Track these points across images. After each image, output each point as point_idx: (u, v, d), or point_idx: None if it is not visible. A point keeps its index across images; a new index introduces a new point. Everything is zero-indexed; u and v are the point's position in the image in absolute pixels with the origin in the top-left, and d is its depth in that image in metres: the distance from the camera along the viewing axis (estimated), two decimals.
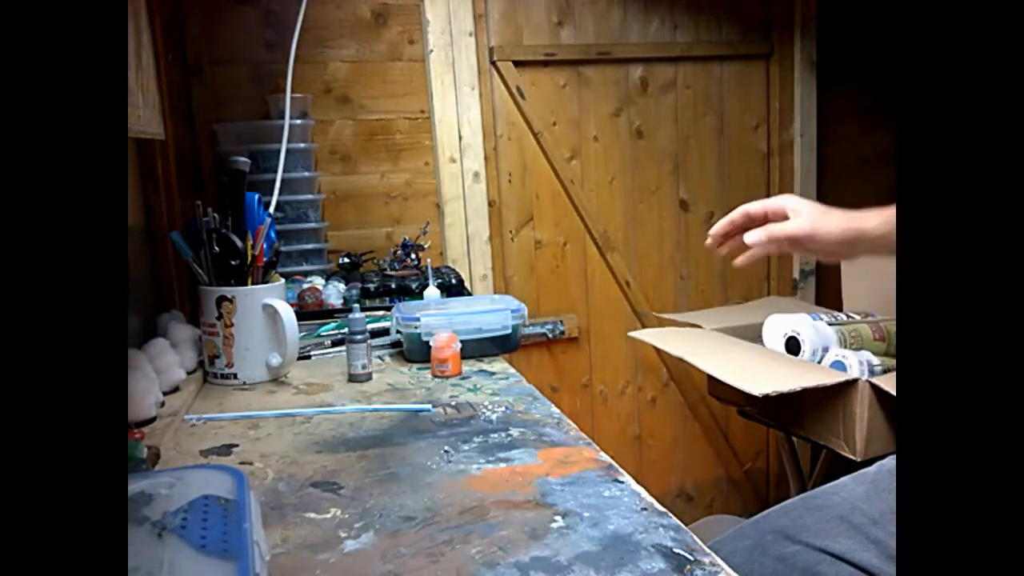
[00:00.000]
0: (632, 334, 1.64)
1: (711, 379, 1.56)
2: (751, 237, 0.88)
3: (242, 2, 1.82)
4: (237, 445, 0.88)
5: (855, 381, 1.25)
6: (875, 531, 0.81)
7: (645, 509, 0.67)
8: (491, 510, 0.68)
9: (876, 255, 0.84)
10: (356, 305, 1.18)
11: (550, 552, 0.60)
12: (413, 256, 1.73)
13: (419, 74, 1.97)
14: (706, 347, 1.49)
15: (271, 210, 1.27)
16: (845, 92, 2.27)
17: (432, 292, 1.47)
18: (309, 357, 1.27)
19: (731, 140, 2.29)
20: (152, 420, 0.92)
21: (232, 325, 1.11)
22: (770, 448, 2.45)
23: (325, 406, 1.01)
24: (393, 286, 1.62)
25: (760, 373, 1.28)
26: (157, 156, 1.45)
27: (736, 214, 0.93)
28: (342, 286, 1.59)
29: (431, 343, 1.14)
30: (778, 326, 1.53)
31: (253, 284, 1.15)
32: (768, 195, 2.32)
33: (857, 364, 1.34)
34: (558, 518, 0.66)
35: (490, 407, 0.97)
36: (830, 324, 1.48)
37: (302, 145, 1.74)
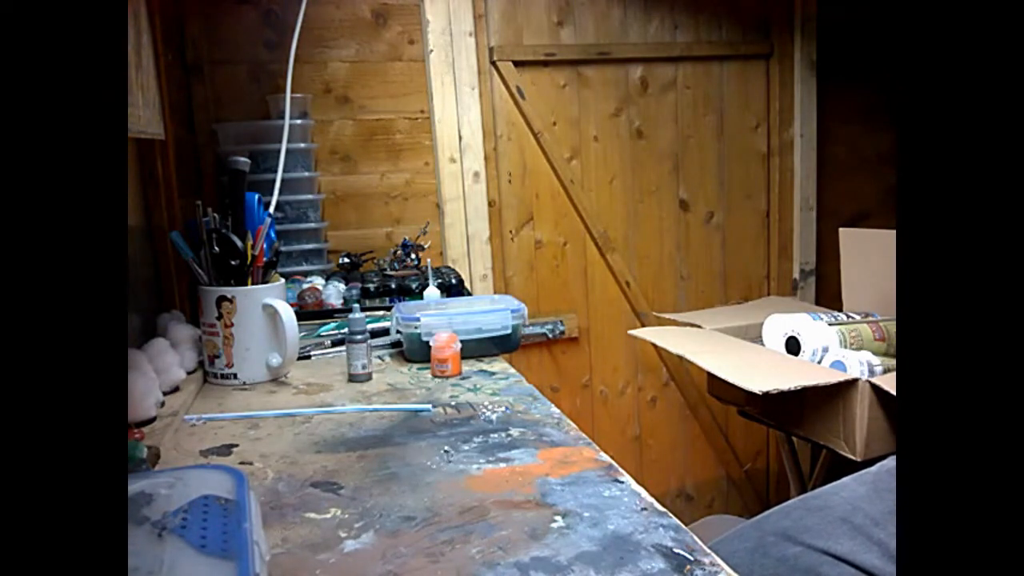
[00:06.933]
0: (632, 332, 1.64)
1: (711, 379, 1.57)
2: None
3: (242, 2, 1.82)
4: (237, 445, 0.88)
5: (855, 381, 1.25)
6: (877, 532, 0.81)
7: (645, 509, 0.67)
8: (491, 510, 0.68)
9: None
10: (356, 305, 1.18)
11: (550, 552, 0.60)
12: (413, 256, 1.73)
13: (419, 74, 1.97)
14: (706, 346, 1.49)
15: (271, 210, 1.27)
16: (845, 92, 2.27)
17: (432, 292, 1.47)
18: (309, 357, 1.27)
19: (731, 140, 2.29)
20: (152, 420, 0.92)
21: (232, 325, 1.11)
22: (770, 448, 2.45)
23: (325, 406, 1.01)
24: (393, 286, 1.62)
25: (760, 371, 1.28)
26: (157, 156, 1.45)
27: None
28: (342, 286, 1.59)
29: (431, 343, 1.14)
30: (778, 326, 1.53)
31: (253, 284, 1.14)
32: (768, 195, 2.34)
33: (857, 364, 1.34)
34: (558, 518, 0.65)
35: (490, 407, 0.97)
36: (830, 324, 1.48)
37: (302, 145, 1.74)
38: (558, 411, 0.95)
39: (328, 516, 0.68)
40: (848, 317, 1.54)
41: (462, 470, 0.77)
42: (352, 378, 1.12)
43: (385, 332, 1.32)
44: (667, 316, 1.87)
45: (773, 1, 2.24)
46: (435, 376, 1.13)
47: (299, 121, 1.73)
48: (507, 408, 0.97)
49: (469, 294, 1.67)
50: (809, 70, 2.27)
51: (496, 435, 0.87)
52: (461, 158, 2.01)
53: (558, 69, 2.11)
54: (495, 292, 2.07)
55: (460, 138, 2.00)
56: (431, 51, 1.95)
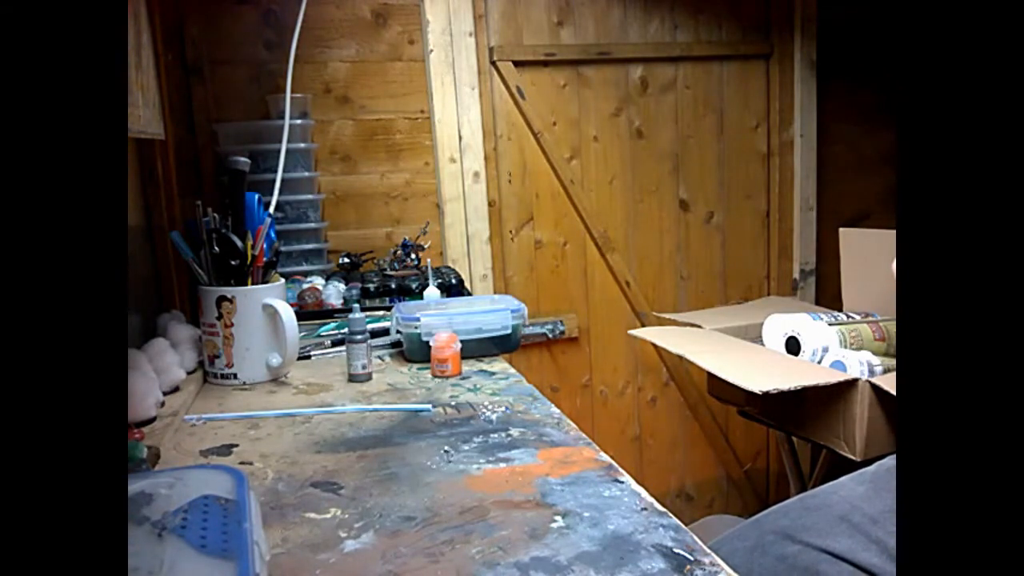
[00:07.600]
0: (632, 332, 1.64)
1: (711, 378, 1.57)
2: None
3: (242, 2, 1.82)
4: (237, 445, 0.88)
5: (855, 381, 1.25)
6: (875, 530, 0.81)
7: (645, 509, 0.67)
8: (491, 510, 0.68)
9: None
10: (356, 305, 1.18)
11: (550, 552, 0.60)
12: (413, 256, 1.73)
13: (419, 74, 1.97)
14: (706, 345, 1.49)
15: (271, 210, 1.27)
16: (845, 92, 2.27)
17: (432, 292, 1.47)
18: (309, 357, 1.27)
19: (731, 140, 2.29)
20: (152, 420, 0.92)
21: (232, 325, 1.11)
22: (770, 448, 2.45)
23: (325, 406, 1.01)
24: (393, 286, 1.62)
25: (760, 371, 1.28)
26: (157, 156, 1.45)
27: None
28: (342, 286, 1.59)
29: (431, 343, 1.14)
30: (778, 326, 1.53)
31: (253, 284, 1.14)
32: (768, 195, 2.34)
33: (857, 364, 1.34)
34: (558, 518, 0.65)
35: (490, 407, 0.97)
36: (830, 324, 1.48)
37: (302, 145, 1.74)
38: (558, 411, 0.95)
39: (328, 516, 0.68)
40: (848, 317, 1.54)
41: (462, 470, 0.77)
42: (352, 378, 1.12)
43: (385, 332, 1.32)
44: (667, 316, 1.88)
45: (773, 1, 2.24)
46: (435, 376, 1.13)
47: (299, 121, 1.73)
48: (507, 408, 0.97)
49: (469, 294, 1.67)
50: (809, 70, 2.27)
51: (496, 435, 0.87)
52: (461, 158, 2.01)
53: (558, 69, 2.10)
54: (495, 292, 2.07)
55: (460, 138, 2.00)
56: (431, 51, 1.95)
